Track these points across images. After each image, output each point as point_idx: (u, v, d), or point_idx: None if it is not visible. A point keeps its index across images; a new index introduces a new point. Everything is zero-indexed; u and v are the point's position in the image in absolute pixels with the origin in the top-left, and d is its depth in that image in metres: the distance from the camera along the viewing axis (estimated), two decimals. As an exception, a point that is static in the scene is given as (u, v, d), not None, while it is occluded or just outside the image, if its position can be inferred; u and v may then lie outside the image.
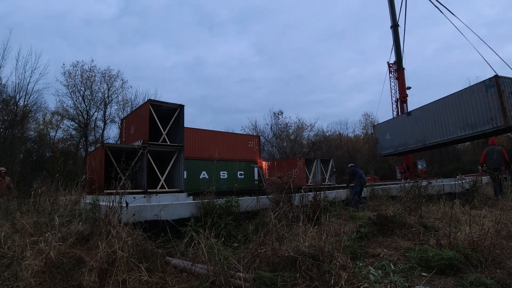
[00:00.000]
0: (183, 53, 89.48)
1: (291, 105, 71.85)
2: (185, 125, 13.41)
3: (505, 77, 13.95)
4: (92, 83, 29.02)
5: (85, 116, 29.12)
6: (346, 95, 72.50)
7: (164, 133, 12.80)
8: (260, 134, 36.10)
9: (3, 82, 22.62)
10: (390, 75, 27.16)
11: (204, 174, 18.67)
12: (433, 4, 20.50)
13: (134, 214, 4.49)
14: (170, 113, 13.23)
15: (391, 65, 26.75)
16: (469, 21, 61.88)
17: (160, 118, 12.83)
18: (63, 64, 33.73)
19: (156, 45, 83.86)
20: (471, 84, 16.09)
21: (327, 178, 21.63)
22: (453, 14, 19.66)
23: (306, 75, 77.72)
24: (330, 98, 73.36)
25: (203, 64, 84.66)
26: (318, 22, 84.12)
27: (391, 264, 3.43)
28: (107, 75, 29.63)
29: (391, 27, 24.24)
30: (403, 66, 24.50)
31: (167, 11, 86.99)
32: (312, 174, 20.80)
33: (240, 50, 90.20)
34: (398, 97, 25.77)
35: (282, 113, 40.15)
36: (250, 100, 73.32)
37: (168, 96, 72.74)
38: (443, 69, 52.09)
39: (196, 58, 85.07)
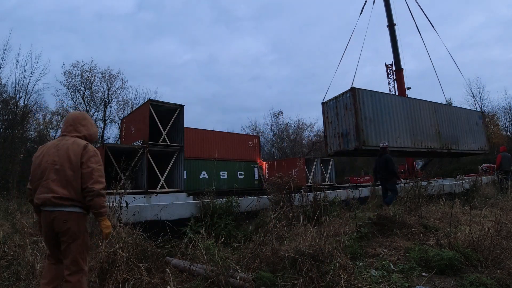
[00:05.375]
0: (198, 50, 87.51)
1: (299, 104, 71.03)
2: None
3: (362, 90, 11.74)
4: (92, 83, 29.10)
5: (85, 116, 29.11)
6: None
7: (164, 133, 12.79)
8: (260, 134, 36.10)
9: (3, 82, 22.64)
10: (389, 76, 27.12)
11: (204, 174, 18.66)
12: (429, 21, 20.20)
13: (134, 214, 4.49)
14: (170, 113, 13.23)
15: (388, 66, 26.66)
16: (486, 20, 61.63)
17: (160, 118, 12.83)
18: (63, 64, 33.76)
19: (171, 41, 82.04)
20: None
21: (327, 178, 21.63)
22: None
23: (319, 73, 76.04)
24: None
25: (217, 62, 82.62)
26: (338, 19, 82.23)
27: (391, 264, 3.43)
28: (107, 75, 29.72)
29: (387, 26, 24.02)
30: (402, 67, 24.38)
31: (185, 6, 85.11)
32: (312, 174, 20.81)
33: (256, 47, 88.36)
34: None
35: (282, 113, 40.22)
36: (259, 99, 72.10)
37: (177, 95, 70.12)
38: (455, 67, 51.59)
39: (211, 55, 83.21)
